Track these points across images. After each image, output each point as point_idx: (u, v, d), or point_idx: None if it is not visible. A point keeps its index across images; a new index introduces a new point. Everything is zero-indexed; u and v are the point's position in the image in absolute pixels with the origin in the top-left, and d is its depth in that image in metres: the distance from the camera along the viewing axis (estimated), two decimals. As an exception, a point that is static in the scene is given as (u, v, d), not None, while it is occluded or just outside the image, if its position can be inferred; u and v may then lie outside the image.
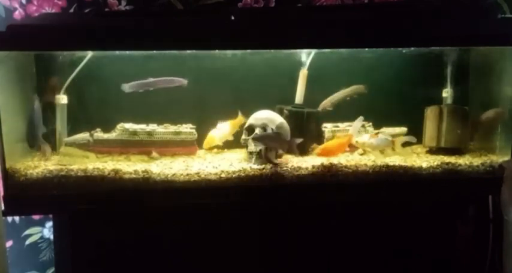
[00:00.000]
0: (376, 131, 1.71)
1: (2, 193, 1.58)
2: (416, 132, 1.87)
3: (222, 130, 1.78)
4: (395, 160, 1.71)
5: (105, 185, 1.56)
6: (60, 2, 1.90)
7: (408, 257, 1.76)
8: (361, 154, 1.79)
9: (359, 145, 1.72)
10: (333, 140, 1.78)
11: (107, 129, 1.77)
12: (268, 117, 1.73)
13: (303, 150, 1.77)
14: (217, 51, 1.67)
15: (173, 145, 1.79)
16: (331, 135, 1.81)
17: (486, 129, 1.78)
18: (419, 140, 1.89)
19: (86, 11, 1.91)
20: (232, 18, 1.66)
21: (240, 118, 1.78)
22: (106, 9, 1.91)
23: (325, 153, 1.70)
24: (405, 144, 1.88)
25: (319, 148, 1.72)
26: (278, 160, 1.69)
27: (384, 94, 1.91)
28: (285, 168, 1.63)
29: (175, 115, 1.80)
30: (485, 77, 1.84)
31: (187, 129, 1.79)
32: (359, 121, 1.74)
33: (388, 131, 1.86)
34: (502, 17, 1.93)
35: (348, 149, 1.77)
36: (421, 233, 1.75)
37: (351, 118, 1.84)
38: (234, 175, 1.61)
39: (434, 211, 1.75)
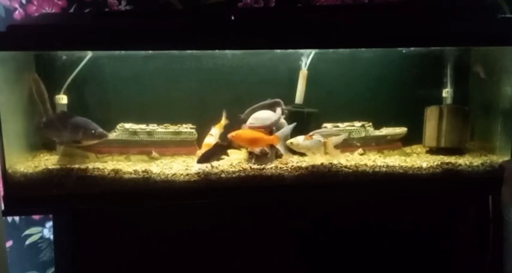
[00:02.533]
0: (311, 133, 1.67)
1: (2, 193, 1.58)
2: (416, 132, 1.88)
3: (214, 135, 1.76)
4: (394, 159, 1.72)
5: (105, 185, 1.57)
6: (60, 2, 1.90)
7: (408, 257, 1.76)
8: (361, 154, 1.79)
9: (294, 147, 1.66)
10: (251, 130, 1.69)
11: (107, 128, 1.77)
12: (268, 117, 1.73)
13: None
14: (217, 51, 1.67)
15: (173, 145, 1.79)
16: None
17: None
18: (420, 141, 1.90)
19: (86, 11, 1.91)
20: (232, 18, 1.66)
21: (223, 120, 1.77)
22: (106, 9, 1.91)
23: (236, 139, 1.64)
24: (405, 143, 1.89)
25: (235, 132, 1.66)
26: (278, 160, 1.69)
27: (384, 94, 1.92)
28: (285, 168, 1.63)
29: (175, 115, 1.80)
30: (485, 77, 1.84)
31: (187, 128, 1.79)
32: (290, 128, 1.68)
33: (387, 131, 1.87)
34: (502, 17, 1.93)
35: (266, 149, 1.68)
36: (421, 233, 1.75)
37: (351, 118, 1.85)
38: (234, 175, 1.61)
39: (434, 211, 1.75)
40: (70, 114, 1.69)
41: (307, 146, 1.66)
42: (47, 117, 1.67)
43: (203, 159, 1.61)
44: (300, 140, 1.66)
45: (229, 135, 1.65)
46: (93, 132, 1.64)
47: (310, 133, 1.68)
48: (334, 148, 1.67)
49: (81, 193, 1.56)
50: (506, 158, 1.69)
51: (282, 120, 1.75)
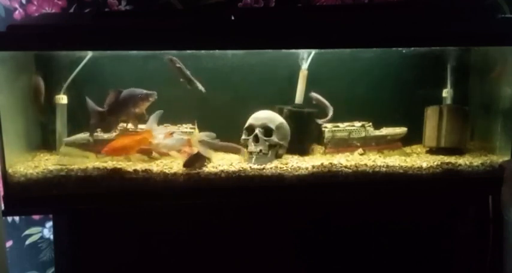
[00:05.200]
0: (171, 131, 1.60)
1: (2, 193, 1.58)
2: (416, 132, 1.88)
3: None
4: (394, 159, 1.72)
5: (105, 185, 1.57)
6: (60, 2, 1.90)
7: (408, 257, 1.76)
8: (361, 154, 1.79)
9: (153, 147, 1.61)
10: (123, 137, 1.67)
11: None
12: (268, 117, 1.73)
13: (304, 150, 1.78)
14: (217, 51, 1.67)
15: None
16: (331, 135, 1.81)
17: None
18: (420, 141, 1.90)
19: (86, 11, 1.91)
20: (232, 18, 1.66)
21: (196, 129, 1.73)
22: (106, 9, 1.91)
23: (111, 153, 1.62)
24: (405, 143, 1.89)
25: (106, 146, 1.61)
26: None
27: (384, 94, 1.92)
28: (285, 168, 1.63)
29: (175, 115, 1.80)
30: (485, 77, 1.84)
31: (187, 128, 1.79)
32: (155, 117, 1.63)
33: (387, 131, 1.87)
34: (502, 17, 1.93)
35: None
36: (421, 233, 1.75)
37: (351, 118, 1.85)
38: (234, 175, 1.61)
39: (434, 211, 1.75)
40: (118, 90, 1.63)
41: (167, 145, 1.59)
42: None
43: (186, 165, 1.61)
44: (160, 139, 1.58)
45: (103, 151, 1.61)
46: (139, 96, 1.60)
47: (171, 131, 1.58)
48: (201, 144, 1.59)
49: (81, 193, 1.56)
50: (506, 158, 1.69)
51: (281, 119, 1.75)
